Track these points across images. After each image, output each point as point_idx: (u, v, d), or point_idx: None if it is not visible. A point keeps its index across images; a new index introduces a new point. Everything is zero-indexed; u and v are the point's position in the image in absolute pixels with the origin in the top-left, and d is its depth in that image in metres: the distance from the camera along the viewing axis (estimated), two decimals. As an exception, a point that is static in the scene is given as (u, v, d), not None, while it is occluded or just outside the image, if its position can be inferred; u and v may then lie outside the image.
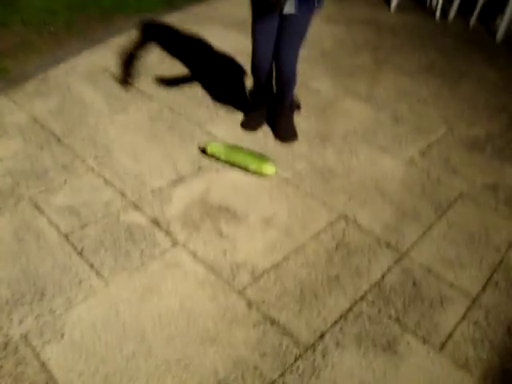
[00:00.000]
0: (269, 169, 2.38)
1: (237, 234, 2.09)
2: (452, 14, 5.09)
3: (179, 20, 4.18)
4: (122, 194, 2.22)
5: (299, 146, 2.69)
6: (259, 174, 2.39)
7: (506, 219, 2.34)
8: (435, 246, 2.14)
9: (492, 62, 4.20)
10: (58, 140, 2.54)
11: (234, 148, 2.47)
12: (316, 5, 2.29)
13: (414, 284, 1.94)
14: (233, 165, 2.43)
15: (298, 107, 2.92)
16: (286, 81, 2.60)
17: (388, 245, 2.11)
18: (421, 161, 2.70)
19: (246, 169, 2.40)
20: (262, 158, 2.42)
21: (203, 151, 2.50)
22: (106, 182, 2.28)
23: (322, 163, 2.58)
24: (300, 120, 2.91)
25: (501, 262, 2.09)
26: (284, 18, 2.32)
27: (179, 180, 2.35)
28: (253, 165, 2.37)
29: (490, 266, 2.07)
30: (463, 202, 2.43)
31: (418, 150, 2.80)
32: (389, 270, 2.00)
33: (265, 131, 2.78)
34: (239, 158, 2.40)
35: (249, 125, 2.76)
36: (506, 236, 2.23)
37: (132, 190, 2.25)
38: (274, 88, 2.68)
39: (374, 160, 2.66)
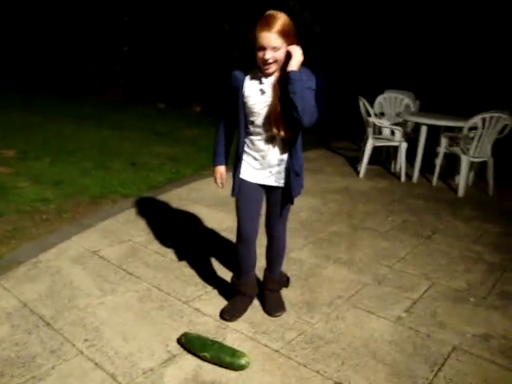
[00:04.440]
0: (242, 363, 2.25)
1: (231, 412, 2.02)
2: (415, 176, 5.58)
3: (164, 202, 4.48)
4: (113, 377, 2.17)
5: (287, 316, 2.72)
6: (231, 368, 2.26)
7: (504, 370, 2.33)
8: (436, 407, 2.09)
9: (459, 215, 4.51)
10: (47, 324, 2.54)
11: (208, 341, 2.37)
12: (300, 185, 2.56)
13: None
14: (205, 359, 2.32)
15: (287, 280, 2.95)
16: (279, 253, 2.75)
17: (387, 410, 2.06)
18: (408, 318, 2.74)
19: (218, 363, 2.29)
20: (234, 352, 2.30)
21: (178, 342, 2.43)
22: (97, 365, 2.25)
23: (311, 331, 2.59)
24: (285, 290, 2.97)
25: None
26: (271, 191, 2.56)
27: (171, 359, 2.32)
28: (226, 359, 2.27)
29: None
30: (457, 356, 2.42)
31: (404, 308, 2.86)
32: None
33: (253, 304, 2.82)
34: (211, 353, 2.30)
35: (228, 314, 2.68)
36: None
37: (123, 372, 2.21)
38: (265, 264, 2.80)
39: (362, 322, 2.69)
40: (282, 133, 2.35)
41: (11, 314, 2.62)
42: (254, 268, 2.78)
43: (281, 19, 2.20)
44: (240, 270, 2.73)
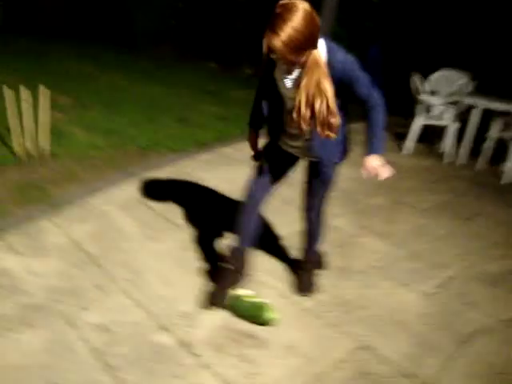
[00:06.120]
0: (267, 319, 2.33)
1: (259, 360, 2.13)
2: (462, 158, 5.46)
3: (209, 159, 4.57)
4: (151, 316, 2.32)
5: (321, 278, 2.80)
6: (258, 322, 2.35)
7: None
8: (460, 380, 2.14)
9: (501, 203, 4.41)
10: (94, 262, 2.71)
11: (237, 296, 2.44)
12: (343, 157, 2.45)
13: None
14: (235, 314, 2.41)
15: (321, 266, 2.84)
16: (312, 232, 2.59)
17: (409, 375, 2.12)
18: (439, 295, 2.78)
19: (245, 319, 2.38)
20: (261, 306, 2.37)
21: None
22: (136, 303, 2.40)
23: (342, 295, 2.67)
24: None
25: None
26: (313, 167, 2.39)
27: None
28: (255, 312, 2.36)
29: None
30: (485, 336, 2.46)
31: (436, 284, 2.89)
32: (411, 401, 1.99)
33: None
34: (240, 309, 2.40)
35: (210, 299, 2.45)
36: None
37: (161, 313, 2.35)
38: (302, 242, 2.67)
39: (393, 293, 2.75)
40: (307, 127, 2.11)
41: (62, 248, 2.80)
42: (250, 241, 2.48)
43: (289, 28, 1.73)
44: (236, 235, 2.47)
